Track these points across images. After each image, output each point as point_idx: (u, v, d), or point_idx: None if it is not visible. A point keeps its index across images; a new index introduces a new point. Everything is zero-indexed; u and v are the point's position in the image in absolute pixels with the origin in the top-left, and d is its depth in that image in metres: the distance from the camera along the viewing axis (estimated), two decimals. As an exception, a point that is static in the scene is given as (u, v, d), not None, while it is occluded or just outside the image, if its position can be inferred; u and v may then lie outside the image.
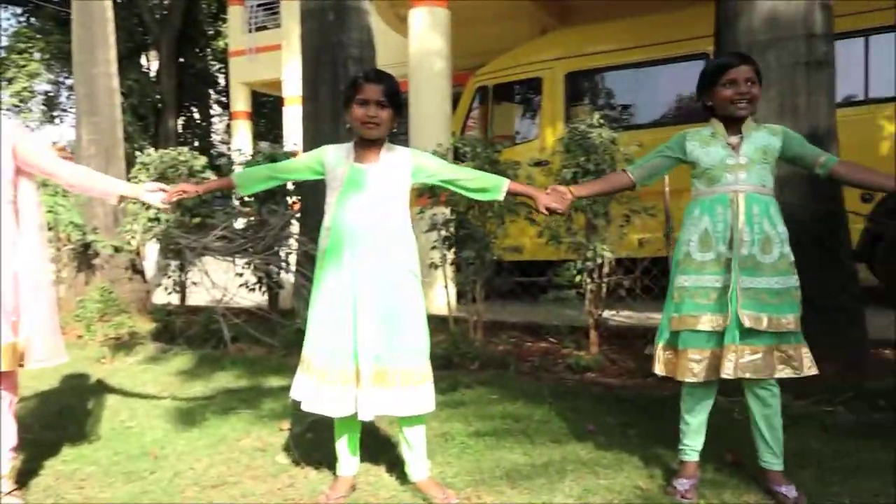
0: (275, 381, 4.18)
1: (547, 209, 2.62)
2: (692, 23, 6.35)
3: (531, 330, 5.31)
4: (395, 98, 2.48)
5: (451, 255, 5.01)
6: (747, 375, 2.37)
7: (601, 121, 4.62)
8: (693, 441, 2.55)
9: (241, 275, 6.00)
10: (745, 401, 2.51)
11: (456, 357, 4.46)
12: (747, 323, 2.34)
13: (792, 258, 2.44)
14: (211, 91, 24.74)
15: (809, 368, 2.41)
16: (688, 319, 2.45)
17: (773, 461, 2.48)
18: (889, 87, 6.15)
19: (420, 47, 7.05)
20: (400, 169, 2.51)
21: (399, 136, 10.28)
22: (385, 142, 2.53)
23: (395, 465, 2.78)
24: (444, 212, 4.96)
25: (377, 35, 6.02)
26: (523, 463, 2.82)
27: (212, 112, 25.61)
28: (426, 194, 4.84)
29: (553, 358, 4.52)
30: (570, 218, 4.52)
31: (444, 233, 4.93)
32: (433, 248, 5.07)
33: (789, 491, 2.41)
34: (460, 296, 5.24)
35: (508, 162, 4.87)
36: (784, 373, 2.39)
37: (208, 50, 23.58)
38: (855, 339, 3.65)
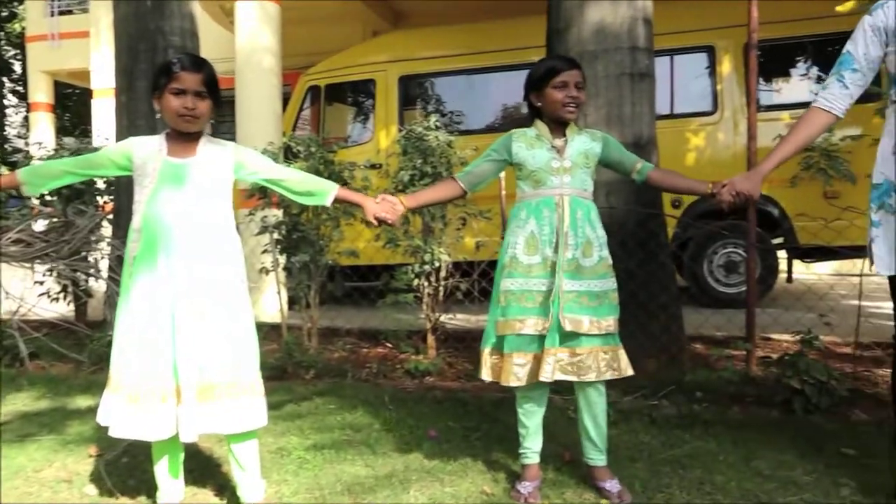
0: (82, 402, 3.73)
1: (376, 219, 2.51)
2: (524, 33, 6.55)
3: (368, 335, 5.19)
4: (215, 87, 2.27)
5: (283, 260, 4.77)
6: (570, 378, 2.39)
7: (437, 124, 4.62)
8: (532, 443, 2.55)
9: (41, 283, 5.36)
10: (576, 400, 2.54)
11: (290, 366, 4.24)
12: (568, 326, 2.35)
13: (610, 261, 2.50)
14: (5, 79, 22.24)
15: (626, 370, 2.47)
16: (514, 323, 2.42)
17: (597, 457, 2.53)
18: (691, 104, 6.73)
19: (248, 43, 6.70)
20: (220, 164, 2.30)
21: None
22: (203, 134, 2.30)
23: (225, 488, 2.55)
24: (276, 214, 4.72)
25: (200, 27, 5.63)
26: (365, 475, 2.70)
27: (6, 102, 23.02)
28: (257, 195, 4.58)
29: (392, 363, 4.43)
30: (407, 221, 4.47)
31: (276, 236, 4.69)
32: (264, 251, 4.81)
33: (613, 486, 2.47)
34: (294, 302, 5.01)
35: (344, 163, 4.73)
36: (607, 375, 2.44)
37: (1, 33, 21.19)
38: (674, 336, 3.89)
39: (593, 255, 2.45)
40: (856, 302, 5.34)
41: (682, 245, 6.39)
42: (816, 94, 2.29)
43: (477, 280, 4.55)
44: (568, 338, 2.40)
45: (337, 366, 4.34)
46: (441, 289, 4.54)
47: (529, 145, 2.51)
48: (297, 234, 4.63)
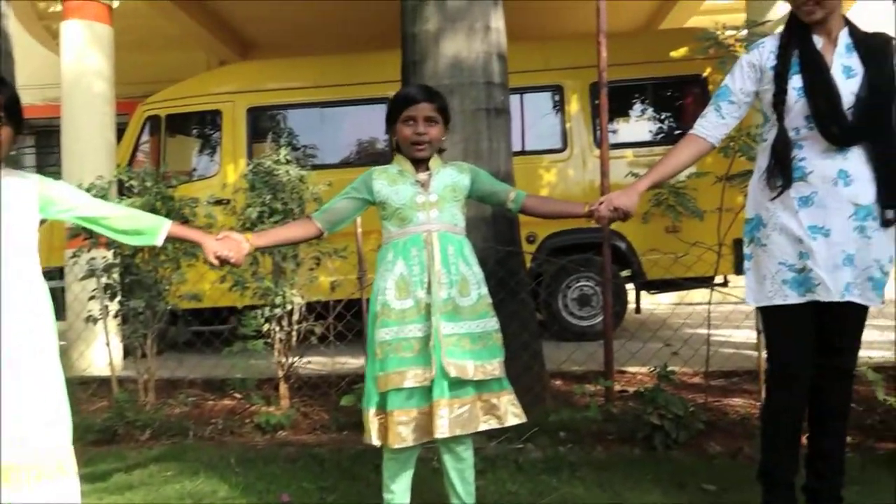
0: None
1: (218, 258, 2.25)
2: (379, 66, 6.44)
3: (214, 386, 4.76)
4: (14, 112, 1.94)
5: (114, 306, 4.28)
6: (457, 432, 2.21)
7: (288, 157, 4.35)
8: (399, 505, 2.34)
9: None
10: (439, 451, 2.36)
11: (121, 428, 3.76)
12: (453, 372, 2.18)
13: (490, 299, 2.38)
14: None
15: (515, 417, 2.34)
16: (394, 377, 2.21)
17: None
18: (542, 141, 6.89)
19: (75, 66, 6.10)
20: (21, 200, 1.96)
21: (52, 167, 8.91)
22: (1, 166, 1.95)
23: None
24: (105, 255, 4.24)
25: (24, 51, 5.05)
26: (207, 556, 2.36)
27: None
28: (83, 234, 4.08)
29: (240, 417, 4.06)
30: (255, 261, 4.15)
31: (105, 280, 4.20)
32: (92, 297, 4.30)
33: None
34: (127, 352, 4.51)
35: (185, 199, 4.34)
36: (489, 424, 2.30)
37: None
38: (537, 375, 3.83)
39: (471, 294, 2.31)
40: (699, 330, 5.60)
41: (537, 279, 6.46)
42: (696, 122, 2.35)
43: (333, 323, 4.29)
44: (455, 386, 2.22)
45: (177, 423, 3.91)
46: (294, 333, 4.23)
47: (392, 181, 2.34)
48: (131, 277, 4.18)
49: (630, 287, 6.83)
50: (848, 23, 2.22)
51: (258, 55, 9.99)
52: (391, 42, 5.01)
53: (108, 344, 4.33)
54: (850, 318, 2.23)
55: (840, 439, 2.36)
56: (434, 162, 2.38)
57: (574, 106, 6.81)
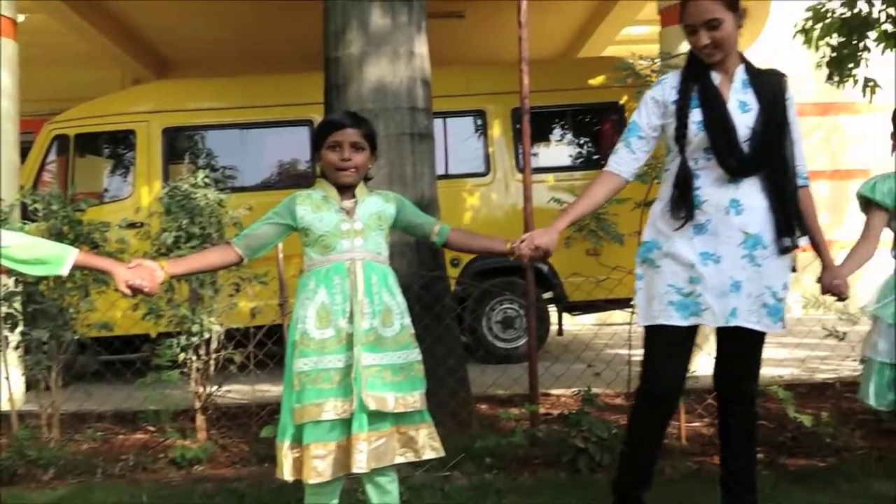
0: None
1: (130, 287, 2.13)
2: (302, 88, 6.36)
3: (125, 419, 4.52)
4: None
5: (15, 337, 4.02)
6: (372, 465, 2.15)
7: (206, 180, 4.22)
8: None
9: None
10: (364, 487, 2.31)
11: (21, 467, 3.52)
12: (372, 405, 2.14)
13: (412, 330, 2.35)
14: None
15: (432, 451, 2.29)
16: (311, 409, 2.15)
17: None
18: (465, 165, 6.95)
19: (-24, 82, 5.77)
20: None
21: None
22: None
23: None
24: (6, 283, 3.99)
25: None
26: None
27: None
28: (-21, 261, 3.82)
29: (153, 452, 3.86)
30: (171, 288, 3.98)
31: (6, 309, 3.94)
32: (-10, 328, 4.03)
33: None
34: (30, 385, 4.24)
35: (95, 223, 4.14)
36: (405, 456, 2.26)
37: None
38: (463, 400, 3.81)
39: (394, 324, 2.27)
40: (621, 351, 5.72)
41: (462, 303, 6.47)
42: (609, 159, 2.41)
43: (254, 351, 4.15)
44: (374, 419, 2.17)
45: (84, 460, 3.69)
46: (212, 362, 4.08)
47: (316, 208, 2.29)
48: (34, 306, 3.94)
49: (552, 309, 6.93)
50: (744, 60, 2.33)
51: (174, 73, 9.73)
52: (314, 64, 4.97)
53: (7, 378, 4.06)
54: (748, 343, 2.31)
55: (749, 460, 2.43)
56: (360, 189, 2.35)
57: (496, 130, 6.91)
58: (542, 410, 4.16)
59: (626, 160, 2.37)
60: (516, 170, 6.86)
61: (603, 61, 7.54)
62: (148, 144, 6.72)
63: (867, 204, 2.63)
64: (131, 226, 4.84)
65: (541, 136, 7.06)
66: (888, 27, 5.41)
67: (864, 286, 3.52)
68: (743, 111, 2.24)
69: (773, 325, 2.26)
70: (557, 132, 7.20)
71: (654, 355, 2.34)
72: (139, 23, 8.37)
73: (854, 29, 5.47)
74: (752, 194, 2.25)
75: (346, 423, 2.16)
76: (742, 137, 2.22)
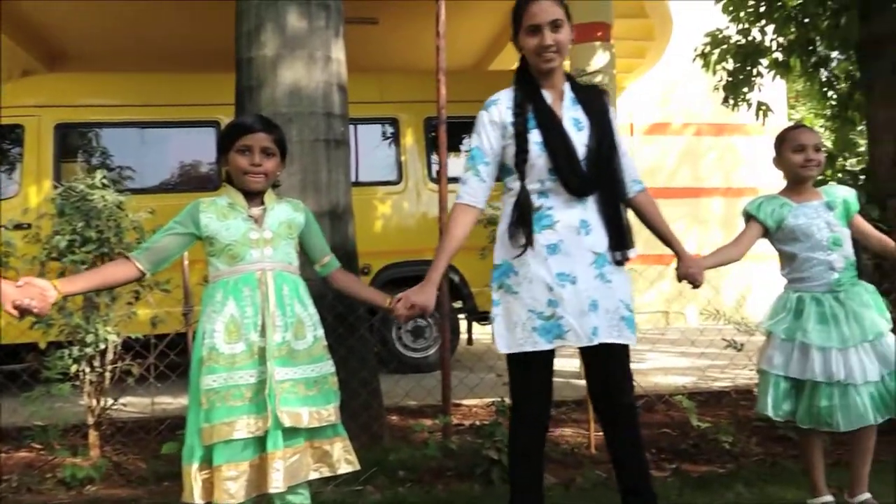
0: None
1: (17, 308, 1.94)
2: (205, 88, 6.13)
3: (8, 436, 4.19)
4: None
5: None
6: (288, 483, 2.07)
7: (105, 181, 3.98)
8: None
9: None
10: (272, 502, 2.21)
11: None
12: (287, 422, 2.06)
13: (325, 342, 2.29)
14: None
15: (348, 464, 2.24)
16: (221, 428, 2.04)
17: None
18: (377, 173, 6.90)
19: None
20: None
21: None
22: None
23: None
24: None
25: None
26: None
27: None
28: None
29: (40, 471, 3.58)
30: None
31: None
32: None
33: None
34: None
35: (-25, 224, 3.82)
36: (320, 472, 2.20)
37: None
38: (376, 412, 3.74)
39: (307, 336, 2.20)
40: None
41: (372, 312, 6.40)
42: (459, 192, 2.31)
43: (154, 363, 3.93)
44: (288, 434, 2.09)
45: (-40, 482, 3.39)
46: (108, 374, 3.83)
47: (221, 216, 2.19)
48: None
49: (462, 319, 6.96)
50: (569, 77, 2.37)
51: (68, 67, 9.20)
52: (220, 64, 4.79)
53: None
54: (614, 358, 2.33)
55: (642, 470, 2.42)
56: (268, 196, 2.27)
57: (409, 139, 6.90)
58: (454, 421, 4.15)
59: (478, 190, 2.29)
60: (429, 179, 6.87)
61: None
62: (38, 140, 6.29)
63: (749, 218, 2.78)
64: (18, 227, 4.51)
65: (454, 146, 7.08)
66: (779, 55, 5.77)
67: (756, 302, 3.71)
68: (578, 129, 2.27)
69: (631, 336, 2.31)
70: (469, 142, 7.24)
71: (522, 381, 2.32)
72: (27, 9, 7.84)
73: (748, 56, 5.80)
74: (594, 213, 2.29)
75: (258, 442, 2.08)
76: (580, 156, 2.24)
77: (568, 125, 2.28)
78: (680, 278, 2.49)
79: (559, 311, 2.21)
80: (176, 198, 6.20)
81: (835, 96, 6.03)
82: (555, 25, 2.23)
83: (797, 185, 2.75)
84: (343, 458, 2.24)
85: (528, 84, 2.30)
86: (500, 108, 2.29)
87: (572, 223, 2.25)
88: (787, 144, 2.74)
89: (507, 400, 3.59)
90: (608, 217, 2.30)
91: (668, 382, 5.27)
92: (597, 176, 2.27)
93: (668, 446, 3.75)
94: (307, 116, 3.66)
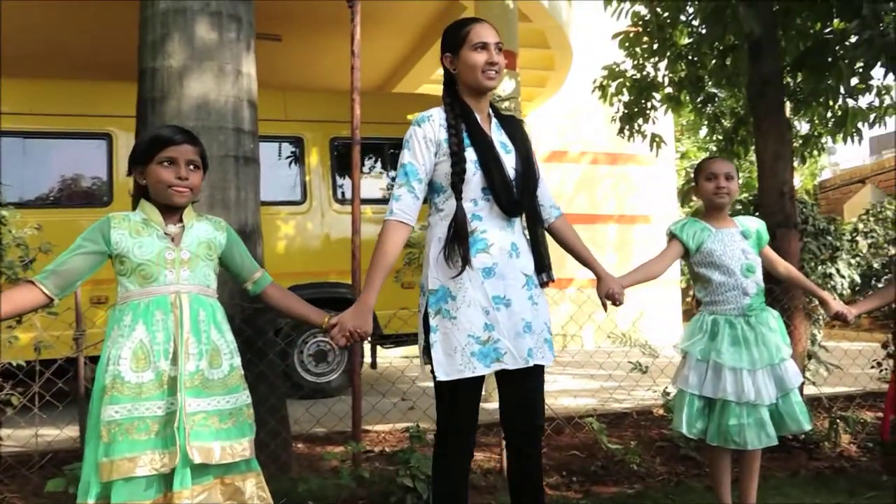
0: None
1: None
2: (96, 98, 5.79)
3: None
4: None
5: None
6: None
7: (-15, 194, 3.66)
8: None
9: None
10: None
11: None
12: (197, 458, 1.93)
13: (242, 371, 2.17)
14: None
15: (262, 501, 2.11)
16: (122, 464, 1.89)
17: None
18: (281, 193, 6.71)
19: None
20: None
21: None
22: None
23: None
24: None
25: None
26: None
27: None
28: None
29: None
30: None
31: None
32: None
33: None
34: None
35: None
36: None
37: None
38: (284, 440, 3.59)
39: (223, 365, 2.08)
40: (428, 383, 5.76)
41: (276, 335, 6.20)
42: (391, 208, 2.26)
43: (39, 392, 3.61)
44: (197, 471, 1.95)
45: None
46: (-17, 405, 3.49)
47: (135, 232, 2.05)
48: None
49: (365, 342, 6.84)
50: (491, 104, 2.42)
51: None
52: (118, 73, 4.54)
53: None
54: (537, 379, 2.36)
55: (541, 490, 2.44)
56: (188, 213, 2.15)
57: (314, 159, 6.77)
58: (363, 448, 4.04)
59: (411, 206, 2.24)
60: (334, 200, 6.76)
61: (423, 98, 7.71)
62: None
63: (672, 237, 2.91)
64: None
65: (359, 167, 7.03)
66: (670, 90, 6.07)
67: (648, 325, 3.84)
68: (506, 152, 2.30)
69: (551, 357, 2.35)
70: (376, 164, 7.20)
71: (455, 406, 2.28)
72: None
73: (643, 89, 6.07)
74: (520, 236, 2.34)
75: (164, 479, 1.94)
76: (511, 179, 2.28)
77: (497, 147, 2.30)
78: (602, 298, 2.53)
79: (495, 335, 2.22)
80: (63, 213, 5.81)
81: (721, 131, 6.41)
82: (498, 48, 2.29)
83: (714, 211, 2.90)
84: (256, 494, 2.12)
85: (460, 104, 2.31)
86: (434, 125, 2.26)
87: (505, 246, 2.27)
88: (702, 173, 2.89)
89: (423, 425, 3.57)
90: (533, 240, 2.36)
91: (573, 405, 5.36)
92: (524, 199, 2.31)
93: (577, 468, 3.80)
94: (216, 131, 3.51)
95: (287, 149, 6.80)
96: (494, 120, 2.38)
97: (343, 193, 6.77)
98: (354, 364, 3.88)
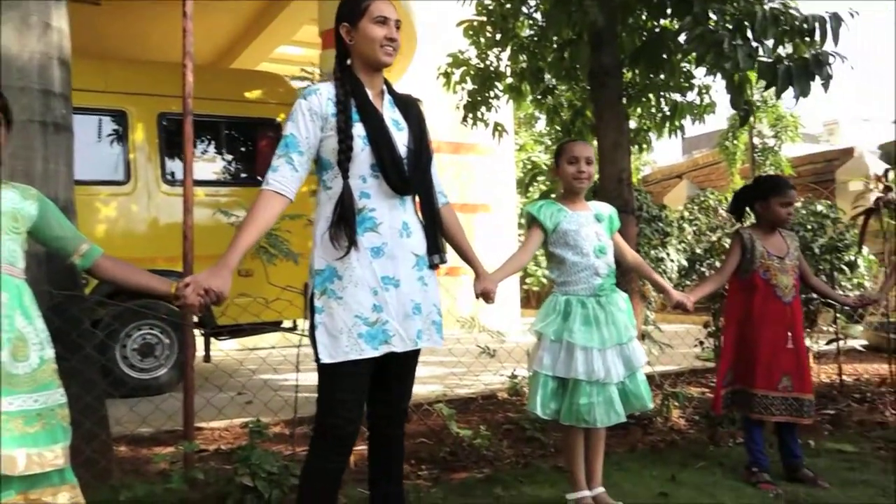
0: None
1: None
2: None
3: None
4: None
5: None
6: None
7: None
8: None
9: None
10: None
11: None
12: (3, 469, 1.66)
13: (55, 364, 1.90)
14: None
15: None
16: None
17: None
18: (101, 171, 6.09)
19: None
20: None
21: None
22: None
23: None
24: None
25: None
26: None
27: None
28: None
29: None
30: None
31: None
32: None
33: None
34: None
35: None
36: None
37: None
38: (103, 443, 3.19)
39: (30, 357, 1.80)
40: (272, 377, 5.49)
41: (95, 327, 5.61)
42: (267, 178, 2.14)
43: None
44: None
45: None
46: None
47: None
48: None
49: (198, 334, 6.39)
50: (386, 81, 2.35)
51: None
52: None
53: None
54: (413, 363, 2.32)
55: (401, 477, 2.41)
56: None
57: (139, 135, 6.20)
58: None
59: (289, 179, 2.13)
60: (162, 180, 6.23)
61: (262, 76, 7.33)
62: None
63: (532, 222, 2.90)
64: None
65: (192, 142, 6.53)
66: (512, 81, 6.16)
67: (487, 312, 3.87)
68: (398, 129, 2.24)
69: (440, 340, 2.31)
70: (210, 144, 6.72)
71: (341, 392, 2.14)
72: None
73: (486, 79, 6.11)
74: (412, 215, 2.27)
75: None
76: (402, 156, 2.21)
77: (388, 124, 2.22)
78: (477, 295, 2.54)
79: (383, 316, 2.14)
80: None
81: (559, 122, 6.60)
82: (397, 25, 2.23)
83: (571, 194, 2.93)
84: None
85: (352, 78, 2.23)
86: (321, 98, 2.18)
87: (395, 225, 2.19)
88: (563, 156, 2.91)
89: (264, 419, 3.33)
90: (426, 220, 2.29)
91: (422, 391, 5.30)
92: (416, 178, 2.24)
93: (426, 456, 3.71)
94: (17, 92, 3.03)
95: (108, 124, 6.16)
96: (388, 97, 2.31)
97: (173, 174, 6.25)
98: (187, 355, 3.53)
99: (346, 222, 2.11)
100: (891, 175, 5.96)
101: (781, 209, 3.30)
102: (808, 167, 13.92)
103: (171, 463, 3.27)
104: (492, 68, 6.09)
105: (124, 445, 3.94)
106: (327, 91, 2.20)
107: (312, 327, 2.14)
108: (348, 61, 2.27)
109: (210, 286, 1.96)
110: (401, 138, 2.22)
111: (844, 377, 5.40)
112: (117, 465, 3.47)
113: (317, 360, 2.12)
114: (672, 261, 5.69)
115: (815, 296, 4.79)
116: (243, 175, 6.77)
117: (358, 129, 2.16)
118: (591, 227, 2.86)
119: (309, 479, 2.20)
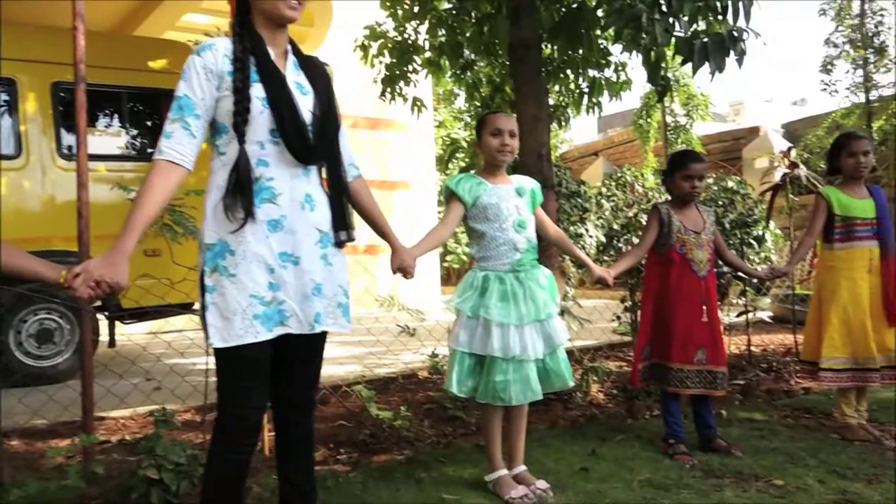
0: None
1: None
2: None
3: None
4: None
5: None
6: None
7: None
8: None
9: None
10: None
11: None
12: None
13: None
14: None
15: None
16: None
17: None
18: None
19: None
20: None
21: None
22: None
23: None
24: None
25: None
26: None
27: None
28: None
29: None
30: None
31: None
32: None
33: None
34: None
35: None
36: None
37: None
38: (-11, 440, 2.94)
39: None
40: (179, 361, 5.25)
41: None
42: (160, 146, 1.93)
43: None
44: None
45: None
46: None
47: None
48: None
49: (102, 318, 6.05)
50: (291, 42, 2.17)
51: None
52: None
53: None
54: (320, 347, 2.18)
55: (311, 467, 2.28)
56: None
57: (31, 106, 5.75)
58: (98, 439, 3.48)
59: (186, 146, 1.93)
60: (57, 154, 5.81)
61: (166, 44, 6.95)
62: None
63: (451, 196, 2.82)
64: None
65: (90, 119, 6.11)
66: (430, 55, 6.04)
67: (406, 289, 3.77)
68: (302, 93, 2.06)
69: (347, 324, 2.16)
70: (112, 116, 6.31)
71: (240, 378, 2.00)
72: None
73: (404, 52, 5.97)
74: (317, 188, 2.11)
75: None
76: (305, 121, 2.03)
77: (292, 87, 2.04)
78: (394, 270, 2.44)
79: (280, 296, 1.99)
80: None
81: (479, 98, 6.52)
82: None
83: (492, 168, 2.87)
84: None
85: (252, 35, 2.03)
86: (217, 55, 1.97)
87: (296, 197, 2.02)
88: (486, 128, 2.82)
89: (171, 407, 3.14)
90: (333, 193, 2.12)
91: (339, 373, 5.18)
92: (322, 145, 2.06)
93: (345, 439, 3.61)
94: None
95: (-5, 92, 5.70)
96: (293, 58, 2.12)
97: (71, 148, 5.84)
98: (85, 340, 3.28)
99: (241, 191, 1.92)
100: (793, 153, 6.20)
101: (684, 182, 3.33)
102: (717, 145, 14.43)
103: (69, 457, 3.04)
104: (410, 41, 5.95)
105: (17, 439, 3.66)
106: (224, 47, 1.99)
107: (203, 308, 1.97)
108: (249, 17, 2.06)
109: (102, 277, 1.76)
110: (305, 102, 2.04)
111: (753, 348, 5.59)
112: (9, 461, 3.21)
113: (209, 343, 1.97)
114: (591, 236, 5.74)
115: (726, 269, 4.92)
116: (150, 150, 6.40)
117: (257, 90, 1.97)
118: (512, 200, 2.80)
119: (213, 471, 2.06)
